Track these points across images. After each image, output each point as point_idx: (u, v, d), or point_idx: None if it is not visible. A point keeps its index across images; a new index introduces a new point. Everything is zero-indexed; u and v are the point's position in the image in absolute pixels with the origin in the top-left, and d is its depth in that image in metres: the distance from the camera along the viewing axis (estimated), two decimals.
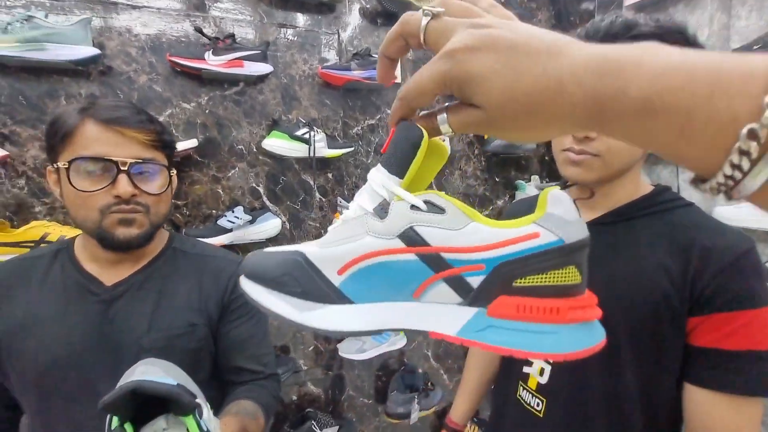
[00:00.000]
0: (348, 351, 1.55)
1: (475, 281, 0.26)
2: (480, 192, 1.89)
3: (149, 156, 0.69)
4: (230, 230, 1.28)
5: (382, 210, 0.27)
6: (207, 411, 0.48)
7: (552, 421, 0.68)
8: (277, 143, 1.35)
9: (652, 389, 0.61)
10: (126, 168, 0.65)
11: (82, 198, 0.64)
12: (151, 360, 0.54)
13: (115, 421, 0.41)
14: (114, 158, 0.65)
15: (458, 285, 0.26)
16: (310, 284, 0.27)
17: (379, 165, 0.29)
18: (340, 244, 0.27)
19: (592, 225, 0.64)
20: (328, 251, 0.27)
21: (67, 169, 0.64)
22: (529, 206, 0.85)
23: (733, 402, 0.55)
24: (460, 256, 0.25)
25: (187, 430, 0.42)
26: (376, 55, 1.46)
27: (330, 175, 1.54)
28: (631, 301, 0.60)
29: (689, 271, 0.57)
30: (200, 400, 0.48)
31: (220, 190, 1.37)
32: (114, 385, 0.65)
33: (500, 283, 0.25)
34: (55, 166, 0.67)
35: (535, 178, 1.97)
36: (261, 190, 1.44)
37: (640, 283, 0.60)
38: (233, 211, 1.30)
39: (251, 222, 1.33)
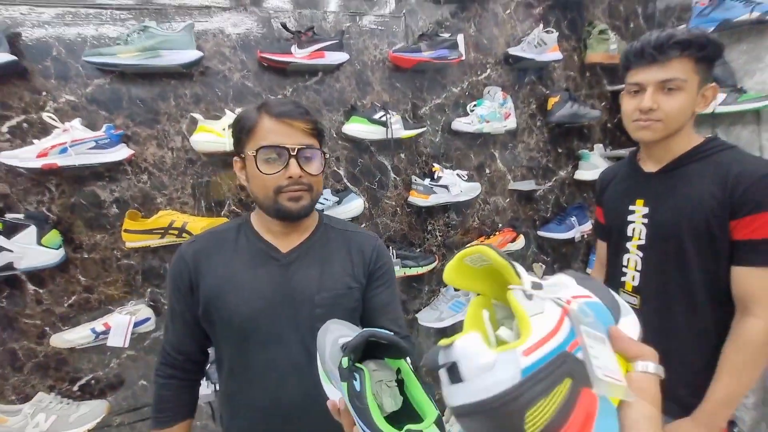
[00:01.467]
0: (427, 319, 1.65)
1: None
2: (543, 164, 1.91)
3: (310, 142, 0.80)
4: (322, 210, 1.39)
5: None
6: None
7: (646, 310, 0.98)
8: (356, 128, 1.43)
9: (713, 276, 0.89)
10: (295, 153, 0.77)
11: (263, 179, 0.78)
12: (334, 320, 0.65)
13: (345, 361, 0.50)
14: (286, 145, 0.77)
15: None
16: None
17: None
18: None
19: (660, 172, 0.98)
20: None
21: (255, 156, 0.77)
22: (614, 173, 1.14)
23: (764, 272, 0.83)
24: None
25: (399, 370, 0.51)
26: (443, 35, 1.49)
27: (402, 155, 1.62)
28: (690, 216, 0.89)
29: (726, 190, 0.84)
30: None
31: None
32: (294, 334, 0.80)
33: None
34: (242, 155, 0.81)
35: (599, 146, 1.95)
36: (342, 172, 1.54)
37: (695, 204, 0.89)
38: (322, 194, 1.41)
39: (338, 203, 1.43)
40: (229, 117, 1.25)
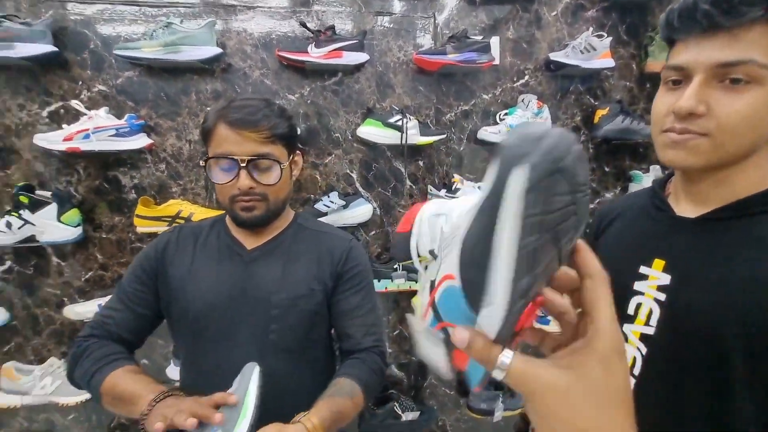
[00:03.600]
0: None
1: None
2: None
3: (266, 151, 0.76)
4: (326, 214, 1.36)
5: None
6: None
7: None
8: (370, 131, 1.38)
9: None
10: (245, 164, 0.74)
11: (218, 187, 0.78)
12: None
13: None
14: (235, 155, 0.74)
15: None
16: None
17: None
18: None
19: (703, 220, 0.56)
20: None
21: (207, 164, 0.77)
22: (623, 209, 0.72)
23: None
24: None
25: None
26: (473, 37, 1.38)
27: (421, 163, 1.54)
28: (747, 309, 0.49)
29: None
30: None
31: (318, 176, 1.46)
32: (247, 332, 0.78)
33: None
34: (201, 163, 0.81)
35: (656, 168, 1.70)
36: (354, 176, 1.49)
37: (761, 289, 0.49)
38: (329, 196, 1.38)
39: (344, 207, 1.39)
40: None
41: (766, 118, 0.50)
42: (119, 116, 1.27)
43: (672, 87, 0.55)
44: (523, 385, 0.25)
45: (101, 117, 1.20)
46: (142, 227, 1.29)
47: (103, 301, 1.30)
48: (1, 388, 1.28)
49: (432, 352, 0.30)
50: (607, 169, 1.71)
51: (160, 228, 1.29)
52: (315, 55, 1.30)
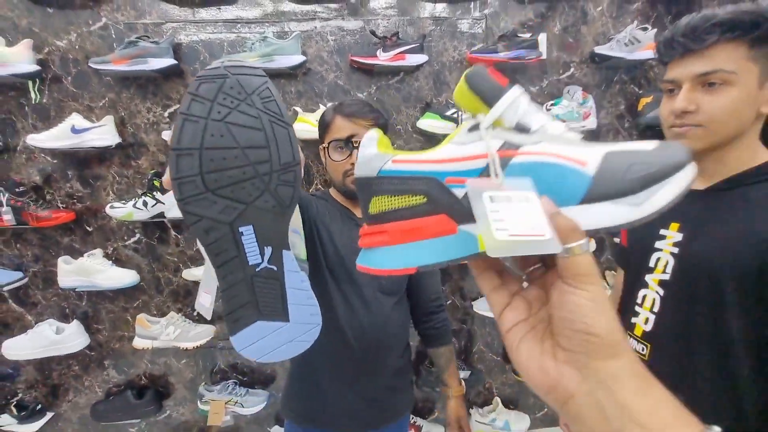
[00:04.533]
0: (482, 308, 1.74)
1: None
2: None
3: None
4: None
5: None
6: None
7: (657, 360, 0.77)
8: (430, 123, 1.58)
9: (758, 335, 0.67)
10: (356, 145, 0.98)
11: (334, 165, 1.00)
12: None
13: None
14: (353, 138, 0.98)
15: None
16: None
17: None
18: None
19: (708, 191, 0.77)
20: None
21: (327, 147, 1.00)
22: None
23: None
24: None
25: None
26: (521, 35, 1.54)
27: None
28: (740, 257, 0.67)
29: None
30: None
31: None
32: (367, 278, 1.01)
33: None
34: (322, 146, 1.03)
35: None
36: None
37: (749, 236, 0.67)
38: None
39: None
40: (321, 110, 1.50)
41: (741, 108, 0.69)
42: None
43: (670, 95, 0.76)
44: (578, 272, 0.26)
45: None
46: None
47: None
48: (136, 334, 1.62)
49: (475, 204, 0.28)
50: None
51: None
52: (383, 58, 1.51)
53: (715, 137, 0.71)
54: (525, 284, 0.33)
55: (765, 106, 0.70)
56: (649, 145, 0.29)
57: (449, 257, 0.31)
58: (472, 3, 1.65)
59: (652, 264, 0.80)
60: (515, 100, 0.31)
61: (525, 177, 0.29)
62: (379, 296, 1.02)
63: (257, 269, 0.46)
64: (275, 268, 0.46)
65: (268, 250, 0.46)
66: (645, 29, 1.61)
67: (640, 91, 1.75)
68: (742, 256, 0.67)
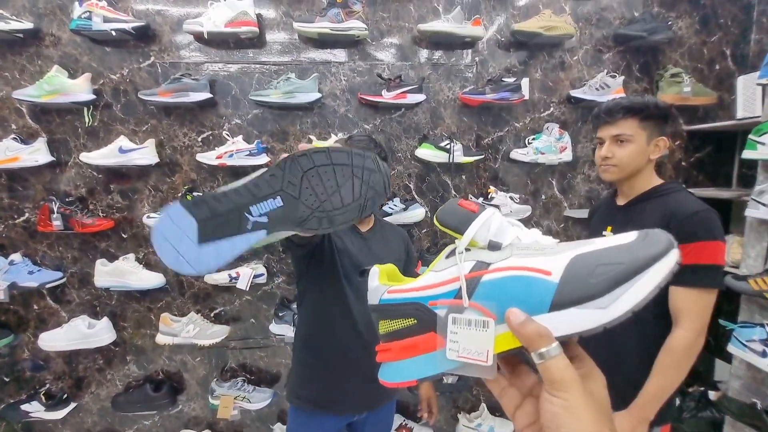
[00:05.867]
0: None
1: None
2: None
3: None
4: (390, 214, 1.80)
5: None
6: None
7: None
8: (425, 152, 1.82)
9: (658, 295, 1.05)
10: None
11: None
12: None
13: None
14: None
15: None
16: None
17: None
18: None
19: (626, 205, 1.24)
20: None
21: None
22: (600, 204, 1.39)
23: (692, 291, 1.04)
24: None
25: None
26: (507, 79, 1.82)
27: (464, 177, 1.95)
28: None
29: (664, 224, 1.04)
30: None
31: None
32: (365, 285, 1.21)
33: None
34: None
35: None
36: (411, 186, 1.93)
37: None
38: (393, 201, 1.82)
39: (404, 209, 1.83)
40: (333, 139, 1.75)
41: (636, 155, 1.16)
42: (248, 141, 1.80)
43: (599, 146, 1.23)
44: (561, 372, 0.28)
45: (240, 143, 1.73)
46: None
47: (230, 272, 1.81)
48: (159, 330, 1.82)
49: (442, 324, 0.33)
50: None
51: None
52: (387, 97, 1.77)
53: (622, 173, 1.19)
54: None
55: (652, 155, 1.17)
56: (629, 237, 0.31)
57: (442, 369, 0.34)
58: (465, 51, 1.92)
59: None
60: (485, 222, 0.34)
61: (492, 300, 0.32)
62: None
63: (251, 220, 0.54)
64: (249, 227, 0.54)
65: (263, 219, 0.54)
66: (614, 76, 1.87)
67: None
68: None
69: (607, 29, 1.95)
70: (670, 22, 1.94)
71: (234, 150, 1.71)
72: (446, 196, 1.95)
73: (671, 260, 0.28)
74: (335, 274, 1.20)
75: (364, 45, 1.86)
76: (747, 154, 1.66)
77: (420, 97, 1.81)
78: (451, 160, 1.80)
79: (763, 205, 1.59)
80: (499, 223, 0.35)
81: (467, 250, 0.35)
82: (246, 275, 1.78)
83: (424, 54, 1.90)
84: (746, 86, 1.86)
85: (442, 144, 1.81)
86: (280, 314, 1.83)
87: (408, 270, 1.38)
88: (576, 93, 1.89)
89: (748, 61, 2.01)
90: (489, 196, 1.88)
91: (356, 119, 1.87)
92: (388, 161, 1.31)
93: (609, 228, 1.23)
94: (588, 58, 1.97)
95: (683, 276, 0.96)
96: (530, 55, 1.95)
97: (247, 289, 1.79)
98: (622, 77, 1.89)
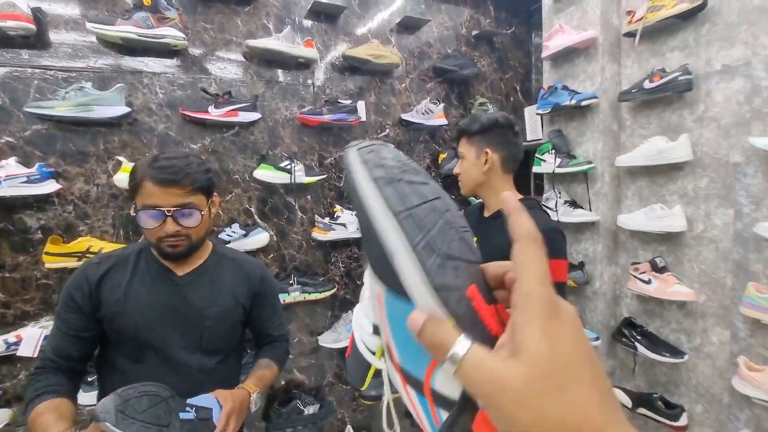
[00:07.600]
0: (326, 341, 1.88)
1: None
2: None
3: (188, 201, 0.93)
4: (229, 242, 1.64)
5: None
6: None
7: None
8: (265, 173, 1.73)
9: None
10: (171, 213, 0.92)
11: (146, 231, 0.94)
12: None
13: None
14: (162, 207, 0.91)
15: None
16: None
17: None
18: None
19: (488, 218, 1.27)
20: None
21: (137, 213, 0.92)
22: (474, 211, 1.39)
23: None
24: None
25: None
26: (343, 101, 1.87)
27: (309, 197, 1.92)
28: (490, 260, 1.19)
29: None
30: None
31: (221, 211, 1.74)
32: (182, 341, 0.99)
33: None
34: (134, 205, 0.95)
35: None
36: (253, 210, 1.80)
37: (498, 249, 1.15)
38: (231, 227, 1.67)
39: (245, 235, 1.69)
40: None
41: (470, 170, 1.26)
42: (27, 165, 1.41)
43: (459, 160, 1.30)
44: (476, 385, 0.21)
45: (11, 166, 1.34)
46: (51, 263, 1.42)
47: (7, 337, 1.38)
48: None
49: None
50: (453, 197, 2.29)
51: (70, 263, 1.44)
52: (215, 114, 1.62)
53: (466, 187, 1.30)
54: None
55: (483, 167, 1.23)
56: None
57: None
58: (300, 73, 1.91)
59: None
60: (362, 343, 0.38)
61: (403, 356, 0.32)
62: (199, 355, 1.00)
63: None
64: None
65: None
66: (436, 103, 2.11)
67: (439, 149, 2.24)
68: (492, 259, 1.20)
69: (428, 61, 2.20)
70: (475, 60, 2.30)
71: (3, 176, 1.32)
72: (292, 219, 1.88)
73: (360, 174, 0.29)
74: (118, 346, 0.97)
75: (185, 56, 1.68)
76: (536, 169, 2.05)
77: (254, 116, 1.71)
78: (293, 181, 1.75)
79: (549, 208, 1.98)
80: (358, 320, 0.38)
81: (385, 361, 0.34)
82: (32, 338, 1.37)
83: (259, 71, 1.82)
84: (531, 115, 2.33)
85: (282, 164, 1.75)
86: (90, 379, 1.46)
87: (262, 316, 1.13)
88: (406, 116, 2.07)
89: (532, 95, 2.52)
90: (335, 215, 1.89)
91: (180, 137, 1.66)
92: (215, 186, 1.04)
93: (476, 238, 1.28)
94: (414, 86, 2.18)
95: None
96: (365, 81, 2.05)
97: (35, 356, 1.38)
98: (443, 104, 2.14)
